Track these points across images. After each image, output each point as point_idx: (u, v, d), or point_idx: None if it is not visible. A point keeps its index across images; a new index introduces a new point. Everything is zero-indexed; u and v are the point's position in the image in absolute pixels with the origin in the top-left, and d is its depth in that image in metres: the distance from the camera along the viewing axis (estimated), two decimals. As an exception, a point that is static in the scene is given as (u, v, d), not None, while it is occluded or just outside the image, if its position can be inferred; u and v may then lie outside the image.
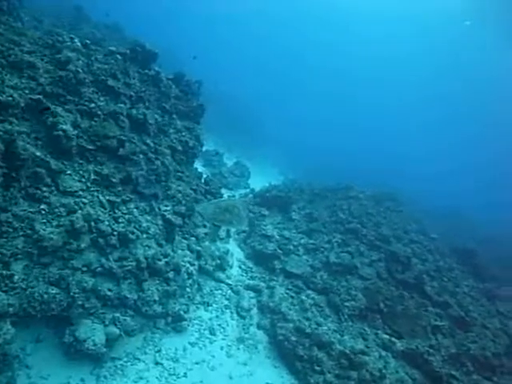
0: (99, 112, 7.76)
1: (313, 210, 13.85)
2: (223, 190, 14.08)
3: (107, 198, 7.39)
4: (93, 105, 7.71)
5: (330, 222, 13.37)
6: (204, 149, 14.01)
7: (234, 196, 14.82)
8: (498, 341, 10.72)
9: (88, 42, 8.31)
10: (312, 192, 16.13)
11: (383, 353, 9.04)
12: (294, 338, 8.21)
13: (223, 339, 7.89)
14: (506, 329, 11.74)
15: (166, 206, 8.67)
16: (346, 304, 9.69)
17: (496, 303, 13.26)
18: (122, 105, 8.32)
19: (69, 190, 6.80)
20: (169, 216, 8.44)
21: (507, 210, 32.66)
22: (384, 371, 8.18)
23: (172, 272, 7.77)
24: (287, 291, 9.71)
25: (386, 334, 9.69)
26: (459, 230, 20.42)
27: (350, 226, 13.11)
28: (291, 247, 11.52)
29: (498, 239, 22.85)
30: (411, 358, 9.06)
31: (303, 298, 9.47)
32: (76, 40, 8.02)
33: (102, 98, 8.06)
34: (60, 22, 14.07)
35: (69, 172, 6.97)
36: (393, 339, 9.49)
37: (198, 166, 15.60)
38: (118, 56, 8.84)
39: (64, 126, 6.81)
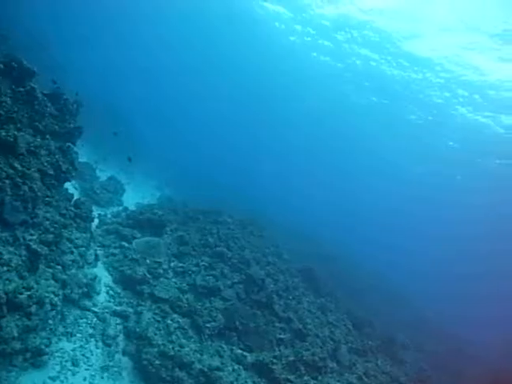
0: (-40, 133, 7.17)
1: (184, 233, 14.74)
2: (94, 208, 13.82)
3: (-37, 228, 6.88)
4: (-48, 125, 7.09)
5: (200, 246, 14.50)
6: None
7: (105, 215, 14.56)
8: (324, 347, 13.43)
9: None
10: (186, 214, 17.05)
11: (236, 366, 10.48)
12: (157, 362, 8.92)
13: (87, 369, 8.07)
14: (332, 336, 14.71)
15: (32, 234, 8.39)
16: (208, 325, 10.87)
17: (327, 314, 16.43)
18: (-12, 126, 7.80)
19: None
20: (34, 246, 8.20)
21: (349, 232, 39.65)
22: (235, 383, 9.60)
23: (34, 305, 7.61)
24: (154, 316, 10.34)
25: (240, 349, 11.23)
26: (307, 250, 24.20)
27: (217, 249, 14.47)
28: (161, 271, 12.18)
29: (337, 257, 27.83)
30: (259, 369, 10.75)
31: (169, 322, 10.26)
32: None
33: (-37, 118, 7.44)
34: None
35: None
36: (245, 353, 11.08)
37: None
38: (-12, 70, 8.22)
39: None
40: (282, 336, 12.29)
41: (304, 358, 11.78)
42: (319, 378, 11.83)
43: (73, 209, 10.82)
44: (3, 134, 8.08)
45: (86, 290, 9.70)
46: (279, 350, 11.82)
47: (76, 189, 15.15)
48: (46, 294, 8.05)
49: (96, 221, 13.39)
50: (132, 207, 16.56)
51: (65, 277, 9.04)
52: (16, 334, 7.03)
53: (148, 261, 12.10)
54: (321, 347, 13.08)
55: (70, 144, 10.63)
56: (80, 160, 17.17)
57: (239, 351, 10.95)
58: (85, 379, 7.83)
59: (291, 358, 11.56)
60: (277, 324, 12.58)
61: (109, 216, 14.69)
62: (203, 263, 13.52)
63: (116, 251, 12.29)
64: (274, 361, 11.02)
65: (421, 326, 24.13)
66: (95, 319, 9.42)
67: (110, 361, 8.62)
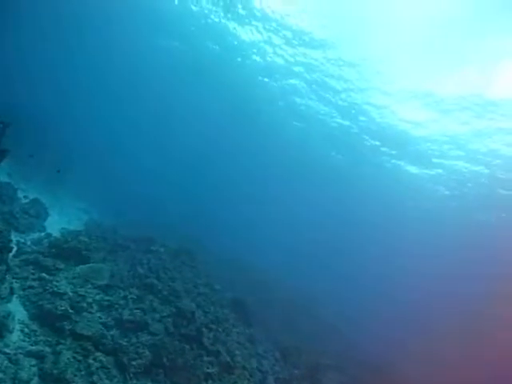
0: None
1: (113, 264, 14.21)
2: (12, 234, 12.79)
3: None
4: None
5: (129, 277, 14.06)
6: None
7: (24, 242, 13.51)
8: (252, 379, 13.66)
9: None
10: (115, 241, 16.45)
11: (161, 405, 10.25)
12: (75, 407, 8.42)
13: (-8, 421, 7.36)
14: (260, 367, 15.04)
15: None
16: (133, 363, 10.53)
17: (256, 345, 16.74)
18: None
19: None
20: None
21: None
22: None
23: None
24: (75, 355, 9.75)
25: (167, 386, 11.00)
26: (240, 278, 24.48)
27: (147, 281, 14.14)
28: (85, 305, 11.56)
29: (268, 284, 28.43)
30: (185, 406, 10.62)
31: (91, 361, 9.74)
32: None
33: None
34: None
35: None
36: (171, 391, 10.88)
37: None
38: None
39: None
40: (209, 370, 12.26)
41: (232, 391, 11.92)
42: (245, 411, 12.02)
43: (-12, 239, 9.98)
44: None
45: (-4, 329, 8.91)
46: (207, 386, 11.78)
47: (-8, 213, 13.90)
48: (-51, 337, 7.32)
49: (14, 249, 12.38)
50: (56, 233, 15.51)
51: (-27, 316, 8.27)
52: None
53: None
54: (248, 379, 13.30)
55: (-10, 169, 9.92)
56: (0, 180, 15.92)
57: (165, 389, 10.74)
58: (-11, 432, 7.14)
59: (218, 393, 11.62)
60: (205, 358, 12.53)
61: (28, 243, 13.63)
62: (131, 296, 13.10)
63: (34, 284, 11.43)
64: (202, 397, 10.99)
65: (345, 351, 25.40)
66: (6, 361, 8.61)
67: (20, 409, 7.95)
